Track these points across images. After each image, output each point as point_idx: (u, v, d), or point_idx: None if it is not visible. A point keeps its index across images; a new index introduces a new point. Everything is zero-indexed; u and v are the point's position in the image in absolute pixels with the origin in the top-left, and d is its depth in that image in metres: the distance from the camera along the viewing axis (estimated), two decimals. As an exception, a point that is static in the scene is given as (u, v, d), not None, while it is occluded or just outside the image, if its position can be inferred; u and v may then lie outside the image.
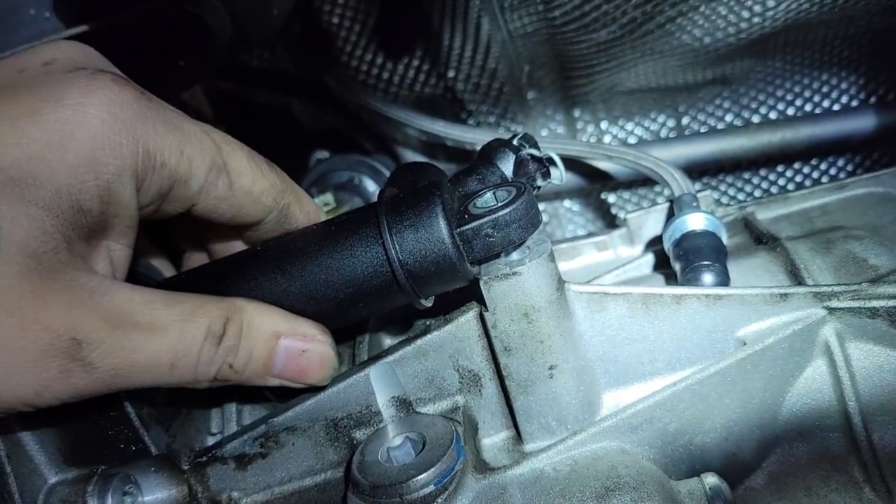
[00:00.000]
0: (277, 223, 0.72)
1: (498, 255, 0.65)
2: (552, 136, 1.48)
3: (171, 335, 0.59)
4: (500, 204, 0.62)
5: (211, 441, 0.75)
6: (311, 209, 0.75)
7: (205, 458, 0.71)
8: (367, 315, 0.75)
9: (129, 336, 0.57)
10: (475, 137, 1.29)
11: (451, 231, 0.61)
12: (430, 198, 0.63)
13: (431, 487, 0.58)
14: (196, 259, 0.80)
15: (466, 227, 0.62)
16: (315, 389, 0.70)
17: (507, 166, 0.71)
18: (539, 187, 0.73)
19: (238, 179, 0.66)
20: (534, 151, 0.73)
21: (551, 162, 0.74)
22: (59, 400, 0.57)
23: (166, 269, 0.81)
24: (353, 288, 0.65)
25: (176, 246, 0.81)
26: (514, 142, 0.73)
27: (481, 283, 0.63)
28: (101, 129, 0.53)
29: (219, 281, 0.68)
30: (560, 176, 0.75)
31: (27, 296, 0.51)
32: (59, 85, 0.54)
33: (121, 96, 0.56)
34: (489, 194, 0.65)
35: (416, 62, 1.41)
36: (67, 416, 0.61)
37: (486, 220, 0.61)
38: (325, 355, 0.68)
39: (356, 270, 0.64)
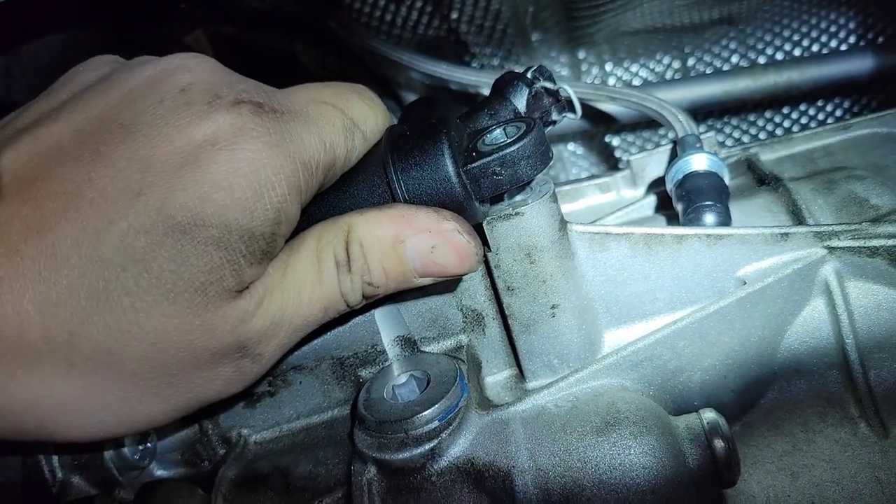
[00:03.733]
0: None
1: (507, 193, 0.64)
2: (556, 78, 1.47)
3: (311, 284, 0.59)
4: (508, 140, 0.60)
5: (220, 380, 0.76)
6: None
7: (214, 397, 0.72)
8: None
9: (286, 317, 0.59)
10: (479, 80, 1.28)
11: (458, 170, 0.59)
12: (436, 136, 0.60)
13: (435, 423, 0.59)
14: None
15: (473, 165, 0.59)
16: (323, 328, 0.68)
17: (520, 101, 0.68)
18: (555, 122, 0.71)
19: (365, 127, 0.64)
20: (548, 84, 0.70)
21: (568, 99, 0.71)
22: (233, 392, 0.60)
23: None
24: None
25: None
26: (529, 74, 0.70)
27: (484, 224, 0.63)
28: (261, 160, 0.53)
29: None
30: (576, 111, 0.72)
31: (196, 330, 0.53)
32: (208, 124, 0.53)
33: (267, 124, 0.55)
34: (498, 130, 0.63)
35: (419, 3, 1.39)
36: None
37: (493, 157, 0.59)
38: (459, 245, 0.60)
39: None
